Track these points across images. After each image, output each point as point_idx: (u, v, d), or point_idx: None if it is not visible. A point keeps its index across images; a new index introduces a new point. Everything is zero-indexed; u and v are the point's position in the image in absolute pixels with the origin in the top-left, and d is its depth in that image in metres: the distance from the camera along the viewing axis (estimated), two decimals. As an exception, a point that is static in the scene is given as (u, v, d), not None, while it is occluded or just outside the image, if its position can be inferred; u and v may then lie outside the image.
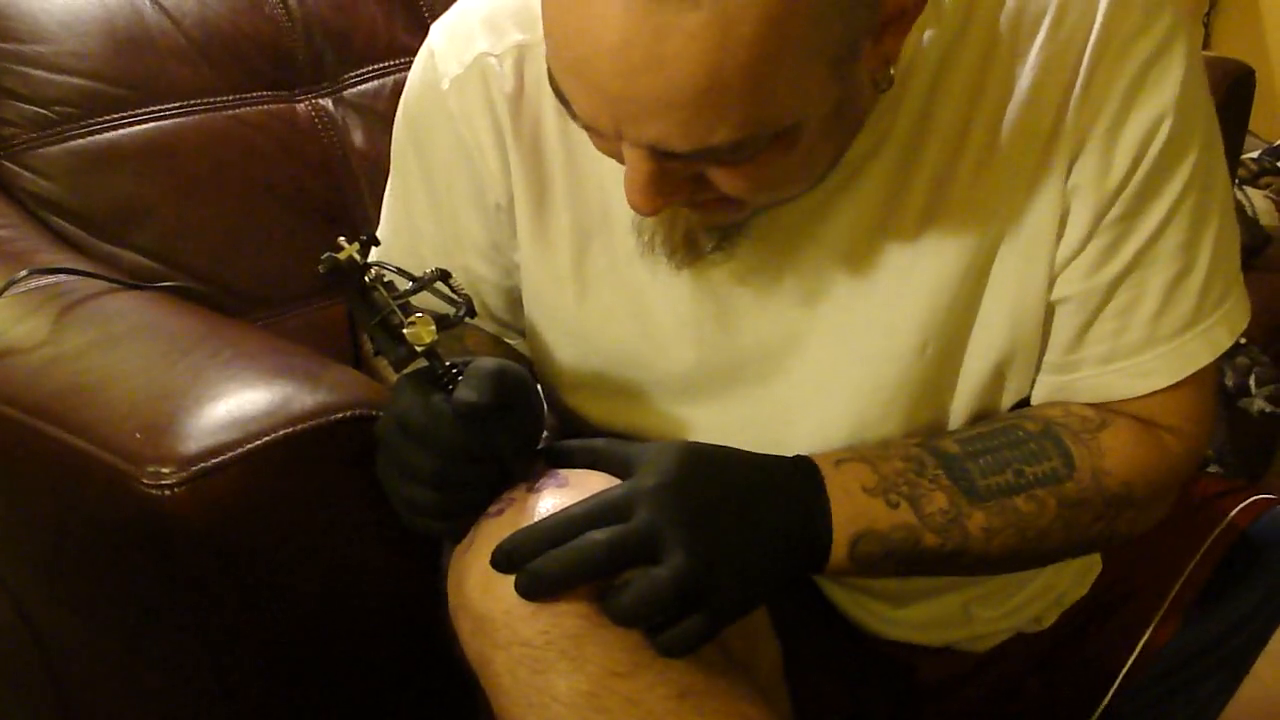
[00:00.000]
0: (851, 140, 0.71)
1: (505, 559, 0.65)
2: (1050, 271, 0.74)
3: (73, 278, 0.94)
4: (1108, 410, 0.77)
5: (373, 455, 0.72)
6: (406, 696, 0.88)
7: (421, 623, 0.81)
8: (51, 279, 0.93)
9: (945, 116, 0.72)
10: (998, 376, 0.77)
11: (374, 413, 0.76)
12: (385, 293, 0.67)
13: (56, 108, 1.07)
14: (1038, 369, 0.78)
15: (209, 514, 0.70)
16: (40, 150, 1.06)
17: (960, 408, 0.78)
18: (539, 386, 0.83)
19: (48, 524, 0.81)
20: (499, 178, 0.80)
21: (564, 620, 0.64)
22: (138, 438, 0.71)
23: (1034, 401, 0.79)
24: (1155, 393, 0.75)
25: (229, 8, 1.17)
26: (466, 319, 0.70)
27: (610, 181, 0.77)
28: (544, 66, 0.65)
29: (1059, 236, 0.73)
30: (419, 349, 0.67)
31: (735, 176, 0.64)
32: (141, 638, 0.82)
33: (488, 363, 0.68)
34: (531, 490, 0.69)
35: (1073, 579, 0.92)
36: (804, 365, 0.78)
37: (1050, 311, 0.76)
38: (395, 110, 0.86)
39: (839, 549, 0.71)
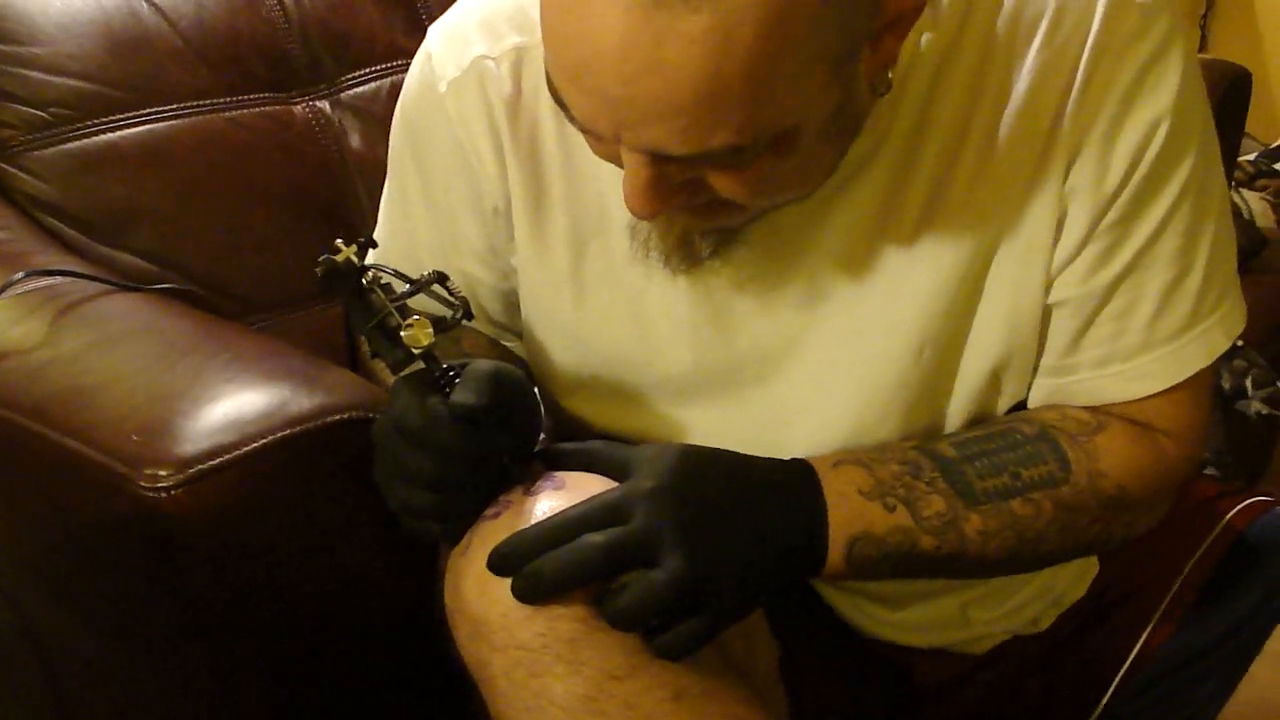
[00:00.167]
0: (850, 144, 0.71)
1: (502, 562, 0.65)
2: (1047, 275, 0.74)
3: (70, 280, 0.94)
4: (1104, 413, 0.77)
5: (370, 458, 0.71)
6: (404, 699, 0.88)
7: (418, 625, 0.81)
8: (48, 281, 0.93)
9: (943, 120, 0.72)
10: (994, 379, 0.78)
11: (371, 415, 0.76)
12: (383, 295, 0.67)
13: (53, 109, 1.07)
14: (1034, 372, 0.78)
15: (206, 516, 0.70)
16: (37, 152, 1.06)
17: (957, 410, 0.79)
18: (536, 389, 0.83)
19: (45, 526, 0.81)
20: (496, 181, 0.80)
21: (561, 623, 0.64)
22: (135, 440, 0.71)
23: (1030, 404, 0.79)
24: (1152, 396, 0.76)
25: (226, 10, 1.17)
26: (463, 322, 0.70)
27: (608, 185, 0.77)
28: (541, 69, 0.65)
29: (1056, 240, 0.73)
30: (416, 351, 0.67)
31: (734, 180, 0.64)
32: (139, 639, 0.82)
33: (485, 365, 0.68)
34: (529, 493, 0.69)
35: (1070, 581, 0.92)
36: (801, 368, 0.78)
37: (1047, 315, 0.76)
38: (392, 113, 0.86)
39: (836, 552, 0.71)
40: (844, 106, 0.64)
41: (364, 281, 0.67)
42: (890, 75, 0.66)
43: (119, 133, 1.09)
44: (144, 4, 1.13)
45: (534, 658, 0.64)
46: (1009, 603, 0.89)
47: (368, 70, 1.25)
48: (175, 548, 0.71)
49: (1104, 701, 0.89)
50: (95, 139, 1.08)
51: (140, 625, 0.80)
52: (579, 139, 0.69)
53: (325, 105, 1.22)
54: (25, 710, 0.98)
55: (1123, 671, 0.89)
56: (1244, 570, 0.87)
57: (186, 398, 0.75)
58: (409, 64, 0.84)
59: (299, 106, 1.20)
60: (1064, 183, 0.72)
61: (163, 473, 0.69)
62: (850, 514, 0.71)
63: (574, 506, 0.66)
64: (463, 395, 0.66)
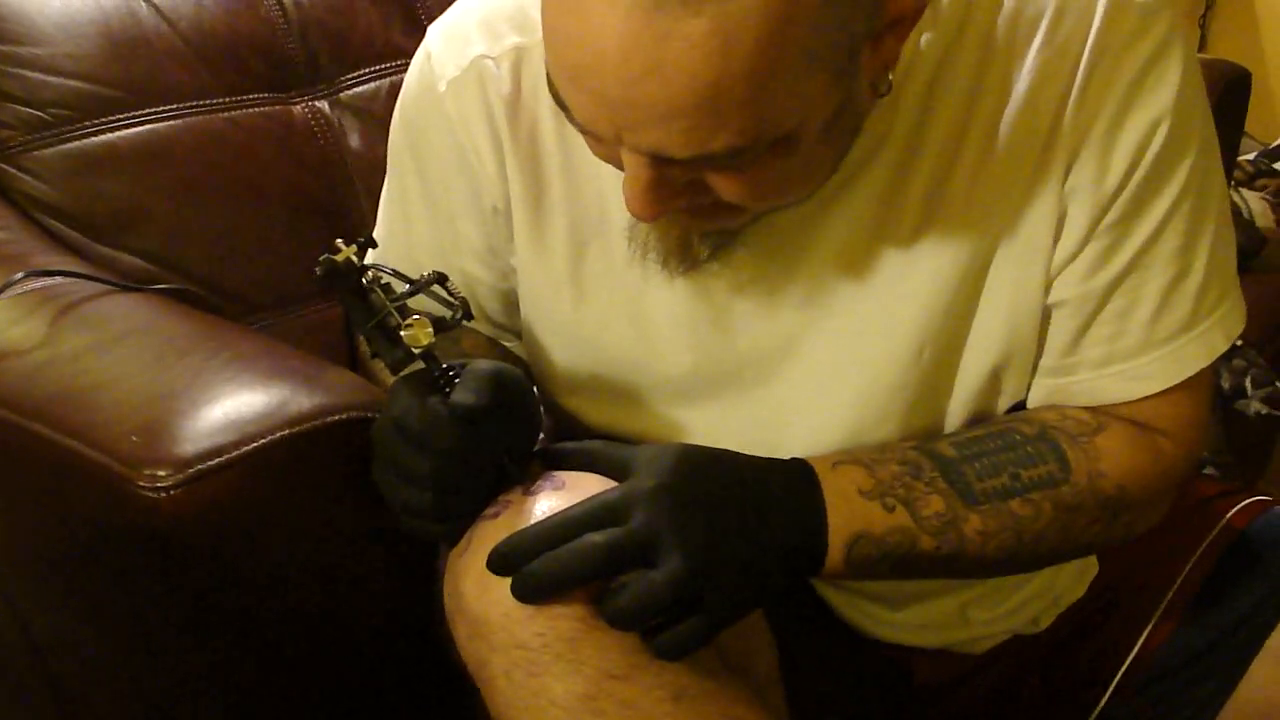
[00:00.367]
0: (850, 145, 0.71)
1: (502, 561, 0.65)
2: (1047, 275, 0.74)
3: (69, 280, 0.94)
4: (1104, 414, 0.77)
5: (369, 458, 0.71)
6: (404, 698, 0.88)
7: (418, 625, 0.81)
8: (48, 281, 0.93)
9: (942, 120, 0.72)
10: (994, 380, 0.78)
11: (371, 415, 0.76)
12: (382, 295, 0.67)
13: (52, 110, 1.07)
14: (1034, 372, 0.78)
15: (206, 516, 0.70)
16: (36, 152, 1.06)
17: (957, 411, 0.79)
18: (535, 389, 0.83)
19: (44, 527, 0.81)
20: (496, 181, 0.80)
21: (560, 623, 0.64)
22: (134, 440, 0.71)
23: (1030, 405, 0.79)
24: (1151, 396, 0.76)
25: (225, 10, 1.17)
26: (463, 322, 0.70)
27: (608, 185, 0.77)
28: (541, 69, 0.65)
29: (1056, 240, 0.73)
30: (416, 351, 0.67)
31: (734, 182, 0.64)
32: (139, 639, 0.82)
33: (485, 365, 0.68)
34: (528, 493, 0.69)
35: (1070, 581, 0.92)
36: (801, 369, 0.78)
37: (1047, 315, 0.76)
38: (392, 112, 0.86)
39: (835, 552, 0.71)
40: (844, 107, 0.64)
41: (364, 281, 0.67)
42: (890, 76, 0.66)
43: (118, 133, 1.09)
44: (143, 4, 1.13)
45: (533, 657, 0.64)
46: (1009, 603, 0.89)
47: (367, 70, 1.25)
48: (174, 548, 0.71)
49: (1104, 701, 0.89)
50: (94, 139, 1.08)
51: (139, 625, 0.80)
52: (579, 139, 0.69)
53: (324, 105, 1.22)
54: (25, 709, 0.98)
55: (1122, 671, 0.88)
56: (1243, 570, 0.87)
57: (186, 398, 0.75)
58: (408, 64, 0.84)
59: (298, 106, 1.20)
60: (1064, 182, 0.72)
61: (162, 473, 0.69)
62: (850, 514, 0.71)
63: (573, 506, 0.66)
64: (462, 395, 0.66)
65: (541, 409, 0.79)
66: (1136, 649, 0.88)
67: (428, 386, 0.68)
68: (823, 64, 0.59)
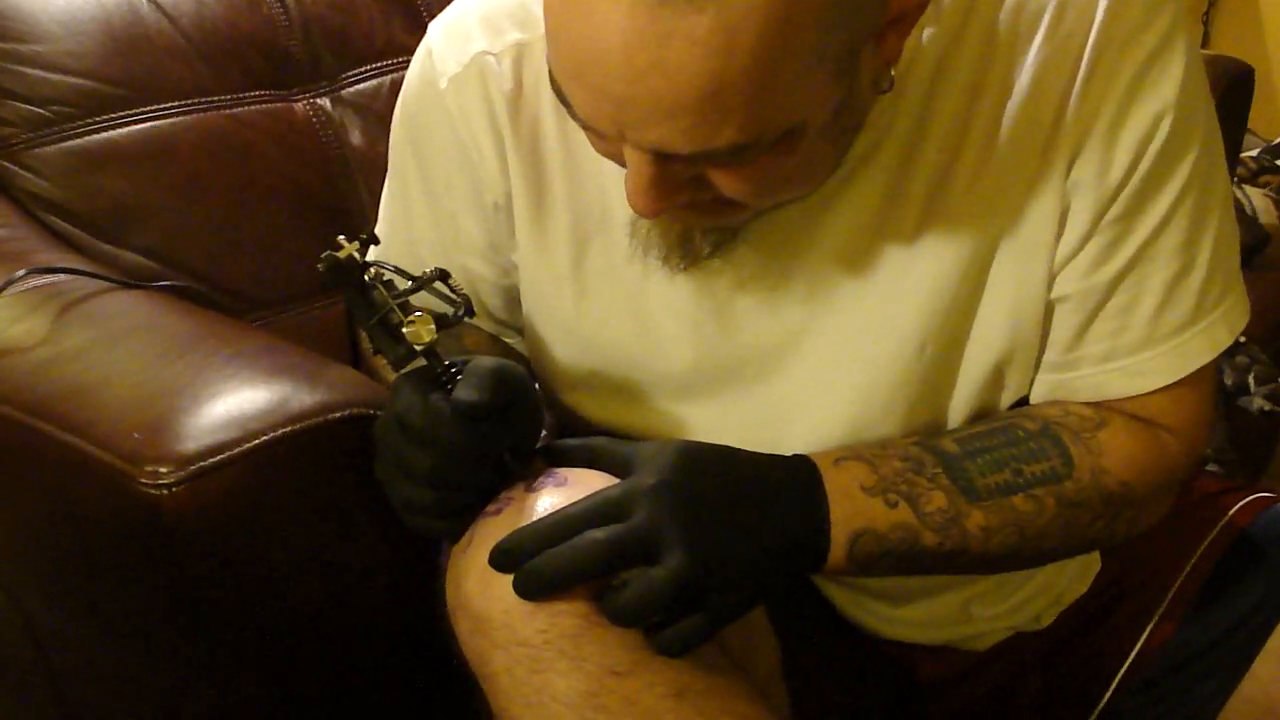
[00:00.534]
0: (852, 141, 0.70)
1: (504, 558, 0.65)
2: (1049, 270, 0.74)
3: (71, 277, 0.94)
4: (1107, 409, 0.76)
5: (371, 455, 0.71)
6: (405, 696, 0.88)
7: (420, 622, 0.81)
8: (50, 278, 0.93)
9: (944, 115, 0.72)
10: (997, 375, 0.77)
11: (373, 412, 0.76)
12: (384, 291, 0.67)
13: (54, 107, 1.07)
14: (1037, 368, 0.78)
15: (207, 513, 0.70)
16: (38, 150, 1.06)
17: (959, 407, 0.78)
18: (537, 385, 0.83)
19: (46, 523, 0.81)
20: (497, 177, 0.80)
21: (562, 620, 0.64)
22: (136, 437, 0.71)
23: (1033, 400, 0.79)
24: (1154, 392, 0.75)
25: (226, 7, 1.17)
26: (465, 318, 0.69)
27: (610, 181, 0.77)
28: (543, 65, 0.65)
29: (1058, 235, 0.73)
30: (418, 348, 0.67)
31: (737, 179, 0.63)
32: (140, 637, 0.82)
33: (486, 362, 0.68)
34: (530, 489, 0.69)
35: (1072, 577, 0.92)
36: (803, 365, 0.78)
37: (1049, 310, 0.76)
38: (393, 109, 0.86)
39: (837, 548, 0.71)
40: (846, 104, 0.64)
41: (366, 278, 0.67)
42: (893, 72, 0.66)
43: (120, 130, 1.09)
44: (144, 1, 1.13)
45: (536, 654, 0.64)
46: (1011, 599, 0.89)
47: (368, 67, 1.25)
48: (176, 545, 0.71)
49: (1106, 698, 0.89)
50: (96, 136, 1.08)
51: (141, 622, 0.80)
52: (581, 136, 0.69)
53: (326, 102, 1.22)
54: (26, 708, 0.98)
55: (1125, 668, 0.88)
56: (1246, 567, 0.87)
57: (187, 395, 0.75)
58: (409, 61, 0.84)
59: (300, 104, 1.20)
60: (1067, 177, 0.71)
61: (164, 470, 0.69)
62: (852, 510, 0.71)
63: (575, 503, 0.66)
64: (464, 392, 0.66)
65: (543, 406, 0.79)
66: (1139, 646, 0.88)
67: (430, 383, 0.68)
68: (825, 61, 0.59)
